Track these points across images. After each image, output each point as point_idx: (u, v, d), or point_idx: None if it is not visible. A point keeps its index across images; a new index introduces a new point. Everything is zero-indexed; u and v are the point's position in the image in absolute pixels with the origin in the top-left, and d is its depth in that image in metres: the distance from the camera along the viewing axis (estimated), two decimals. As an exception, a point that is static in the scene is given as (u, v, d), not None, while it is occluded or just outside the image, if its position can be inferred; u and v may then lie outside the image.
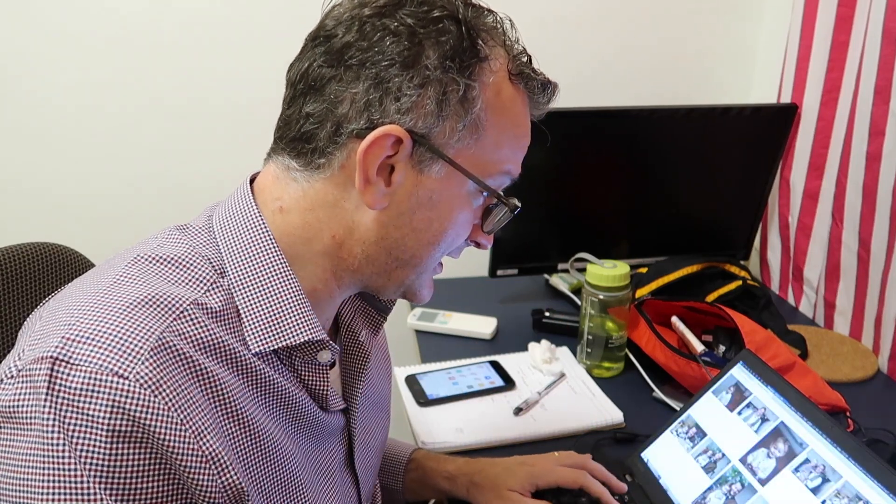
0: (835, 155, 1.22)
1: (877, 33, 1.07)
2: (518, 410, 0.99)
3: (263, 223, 0.56)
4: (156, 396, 0.45)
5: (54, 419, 0.44)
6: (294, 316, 0.55)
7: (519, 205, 0.61)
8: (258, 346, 0.54)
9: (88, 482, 0.44)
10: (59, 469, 0.44)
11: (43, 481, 0.44)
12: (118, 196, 1.38)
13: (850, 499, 0.64)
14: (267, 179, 0.59)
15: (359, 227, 0.56)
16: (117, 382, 0.44)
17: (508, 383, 1.05)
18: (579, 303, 1.14)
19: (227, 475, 0.49)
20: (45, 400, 0.44)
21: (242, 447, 0.51)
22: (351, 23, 0.54)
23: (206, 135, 1.35)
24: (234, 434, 0.51)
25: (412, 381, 1.06)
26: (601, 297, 1.06)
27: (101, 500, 0.44)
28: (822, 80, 1.24)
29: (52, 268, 0.83)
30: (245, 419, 0.52)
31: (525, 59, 0.58)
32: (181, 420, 0.46)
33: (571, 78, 1.43)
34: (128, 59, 1.28)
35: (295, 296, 0.56)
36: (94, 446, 0.44)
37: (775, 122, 1.29)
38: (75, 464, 0.44)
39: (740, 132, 1.29)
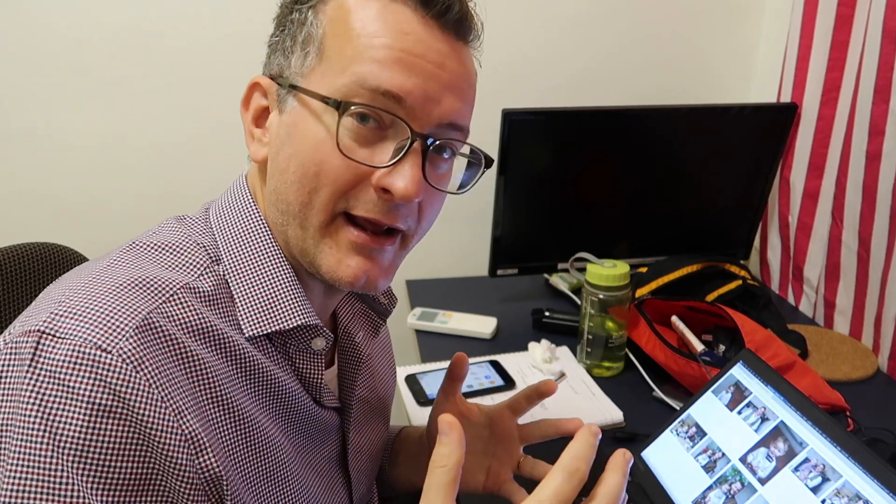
0: (835, 154, 1.22)
1: (877, 33, 1.07)
2: (518, 410, 0.99)
3: (258, 211, 0.58)
4: (137, 372, 0.45)
5: (32, 391, 0.44)
6: (288, 300, 0.56)
7: (344, 101, 0.50)
8: (252, 330, 0.54)
9: (58, 459, 0.44)
10: (30, 443, 0.44)
11: (13, 452, 0.44)
12: (118, 196, 1.38)
13: (849, 498, 0.64)
14: (247, 171, 0.62)
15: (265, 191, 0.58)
16: (100, 356, 0.44)
17: (508, 383, 1.05)
18: (579, 302, 1.14)
19: (205, 456, 0.48)
20: (27, 372, 0.44)
21: (225, 432, 0.51)
22: None
23: (207, 136, 1.35)
24: (217, 418, 0.51)
25: (412, 381, 1.06)
26: (601, 296, 1.06)
27: (70, 479, 0.44)
28: (822, 79, 1.24)
29: (52, 268, 0.83)
30: (230, 404, 0.52)
31: None
32: (161, 397, 0.46)
33: (571, 78, 1.44)
34: (129, 59, 1.28)
35: (288, 281, 0.56)
36: (72, 419, 0.44)
37: (775, 122, 1.29)
38: (48, 441, 0.44)
39: (740, 132, 1.29)
